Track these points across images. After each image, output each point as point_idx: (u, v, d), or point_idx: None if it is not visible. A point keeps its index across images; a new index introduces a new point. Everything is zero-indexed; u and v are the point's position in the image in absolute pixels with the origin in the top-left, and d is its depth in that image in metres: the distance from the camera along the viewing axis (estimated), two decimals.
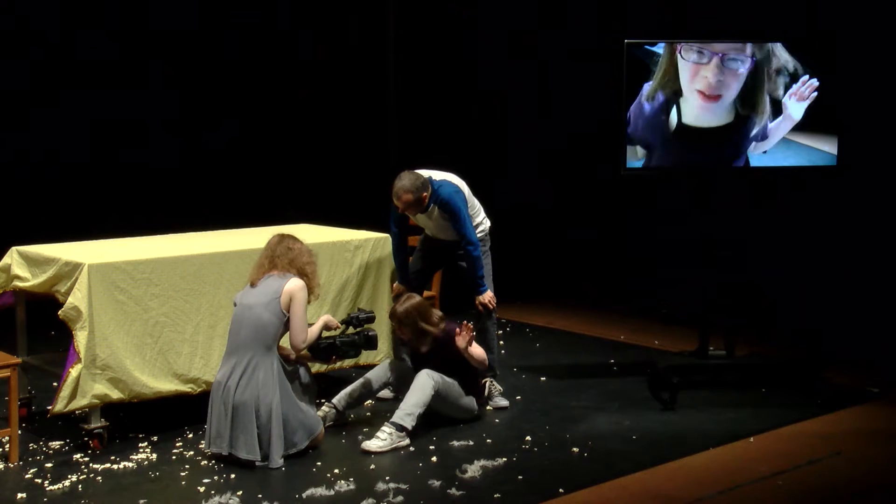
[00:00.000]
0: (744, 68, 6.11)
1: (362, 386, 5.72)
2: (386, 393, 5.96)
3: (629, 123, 6.17)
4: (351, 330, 5.68)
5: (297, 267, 5.30)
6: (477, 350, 5.72)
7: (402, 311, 5.69)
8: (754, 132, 6.25)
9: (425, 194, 5.91)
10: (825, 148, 6.38)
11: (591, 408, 6.12)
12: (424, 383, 5.51)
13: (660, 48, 6.20)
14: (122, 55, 8.98)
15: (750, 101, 6.19)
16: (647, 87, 6.14)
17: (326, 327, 5.49)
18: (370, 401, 5.99)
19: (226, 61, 9.54)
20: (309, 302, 5.30)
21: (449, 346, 5.68)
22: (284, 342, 5.31)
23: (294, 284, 5.22)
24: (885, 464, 5.25)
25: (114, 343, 5.25)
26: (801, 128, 6.36)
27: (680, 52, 6.05)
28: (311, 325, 5.38)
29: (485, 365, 5.79)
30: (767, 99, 6.21)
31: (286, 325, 5.21)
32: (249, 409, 5.04)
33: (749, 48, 6.13)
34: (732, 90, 6.17)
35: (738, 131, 6.23)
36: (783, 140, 6.36)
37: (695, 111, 6.20)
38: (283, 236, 5.40)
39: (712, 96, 6.14)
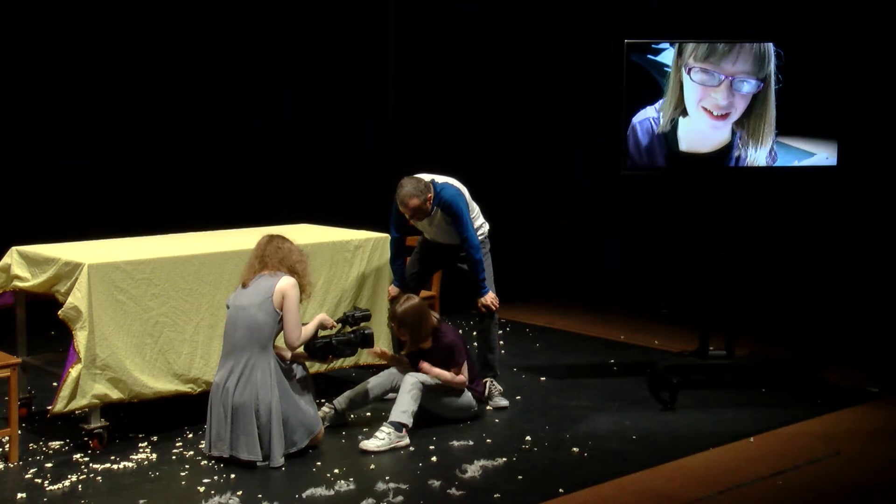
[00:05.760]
0: (750, 88, 6.31)
1: (365, 391, 5.71)
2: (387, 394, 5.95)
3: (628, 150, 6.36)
4: (347, 329, 5.68)
5: (288, 265, 5.29)
6: (445, 375, 5.66)
7: (401, 312, 5.69)
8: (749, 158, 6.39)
9: (430, 196, 5.93)
10: (825, 154, 6.41)
11: (591, 408, 6.12)
12: (412, 383, 5.52)
13: (666, 58, 6.28)
14: (122, 55, 8.99)
15: (752, 123, 6.36)
16: (656, 108, 6.30)
17: (322, 326, 5.48)
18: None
19: (226, 61, 9.54)
20: (301, 300, 5.30)
21: (444, 346, 5.69)
22: (280, 342, 5.31)
23: (286, 283, 5.21)
24: (885, 464, 5.25)
25: (114, 343, 5.25)
26: (801, 133, 6.40)
27: (689, 74, 6.26)
28: (306, 324, 5.38)
29: (463, 384, 5.74)
30: (766, 125, 6.35)
31: (281, 325, 5.20)
32: (249, 410, 5.04)
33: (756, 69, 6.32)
34: (738, 110, 6.33)
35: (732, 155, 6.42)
36: (783, 145, 6.39)
37: (696, 132, 6.32)
38: (272, 236, 5.39)
39: (720, 116, 6.34)
